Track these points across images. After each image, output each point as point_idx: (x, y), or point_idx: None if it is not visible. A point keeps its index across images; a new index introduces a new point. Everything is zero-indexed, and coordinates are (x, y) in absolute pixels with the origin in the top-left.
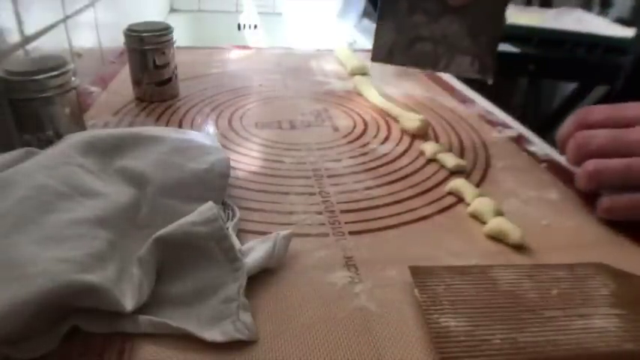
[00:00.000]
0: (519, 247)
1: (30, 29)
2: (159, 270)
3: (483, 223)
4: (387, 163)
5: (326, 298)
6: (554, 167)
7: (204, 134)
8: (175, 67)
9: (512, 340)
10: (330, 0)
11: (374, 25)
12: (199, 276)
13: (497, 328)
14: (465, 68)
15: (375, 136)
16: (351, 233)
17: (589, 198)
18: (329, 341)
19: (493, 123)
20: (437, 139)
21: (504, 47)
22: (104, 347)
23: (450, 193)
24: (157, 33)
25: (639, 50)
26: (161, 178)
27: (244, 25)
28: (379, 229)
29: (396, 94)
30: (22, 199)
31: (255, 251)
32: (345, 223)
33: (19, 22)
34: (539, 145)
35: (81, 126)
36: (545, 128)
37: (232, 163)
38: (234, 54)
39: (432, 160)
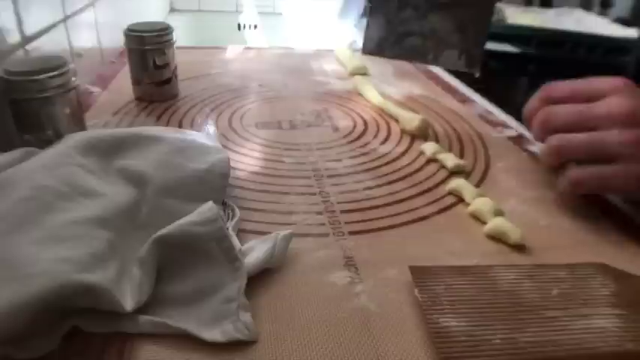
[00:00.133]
0: (519, 247)
1: (30, 29)
2: (159, 270)
3: (483, 223)
4: (387, 163)
5: (326, 298)
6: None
7: (205, 134)
8: (175, 67)
9: (513, 340)
10: (330, 0)
11: None
12: (199, 276)
13: (498, 328)
14: (453, 62)
15: (375, 136)
16: (351, 233)
17: (589, 197)
18: (329, 341)
19: (493, 123)
20: (437, 139)
21: (504, 47)
22: (104, 347)
23: (450, 193)
24: (157, 33)
25: None
26: (161, 178)
27: (244, 25)
28: (379, 229)
29: (396, 94)
30: (22, 199)
31: (255, 251)
32: (345, 223)
33: (19, 22)
34: (539, 145)
35: (81, 126)
36: None
37: (232, 163)
38: (234, 54)
39: (432, 160)
